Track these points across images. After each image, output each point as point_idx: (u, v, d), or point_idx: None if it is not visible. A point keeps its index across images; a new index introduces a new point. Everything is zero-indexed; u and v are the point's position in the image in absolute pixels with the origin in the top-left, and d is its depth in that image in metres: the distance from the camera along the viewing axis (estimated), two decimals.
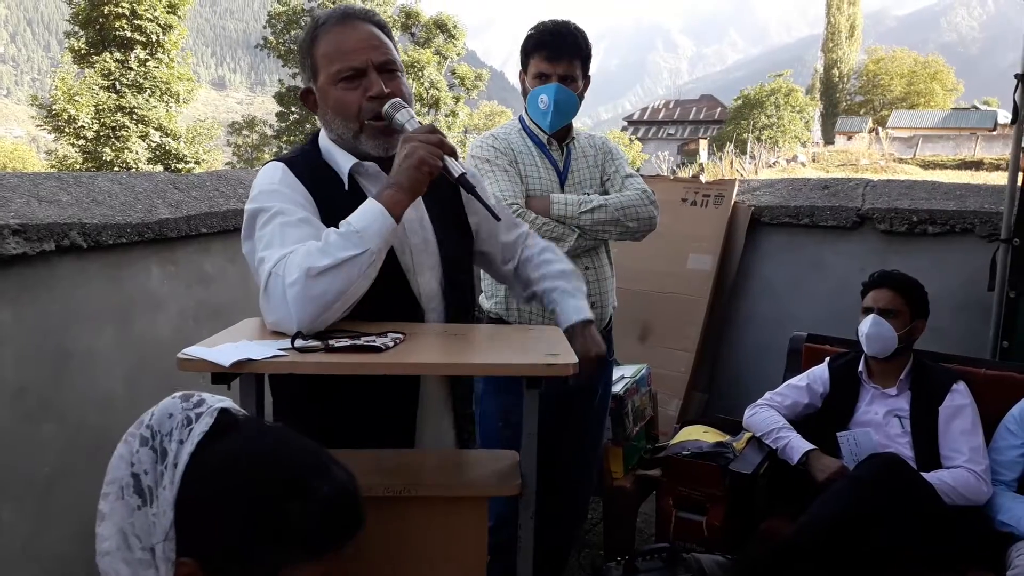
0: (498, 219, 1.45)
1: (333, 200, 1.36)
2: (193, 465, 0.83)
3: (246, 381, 1.16)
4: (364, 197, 1.32)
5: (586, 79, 2.19)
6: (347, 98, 1.37)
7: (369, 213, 1.25)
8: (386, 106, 1.35)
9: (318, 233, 1.27)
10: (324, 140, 1.46)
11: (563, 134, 2.21)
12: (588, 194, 2.18)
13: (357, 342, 1.17)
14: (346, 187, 1.40)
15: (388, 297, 1.35)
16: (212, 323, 2.47)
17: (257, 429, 0.89)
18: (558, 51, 2.09)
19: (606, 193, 2.23)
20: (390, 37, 1.44)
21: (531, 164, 2.15)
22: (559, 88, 2.08)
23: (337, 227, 1.26)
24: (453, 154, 1.31)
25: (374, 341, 1.18)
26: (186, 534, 0.82)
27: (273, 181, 1.36)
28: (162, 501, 0.82)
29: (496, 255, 1.64)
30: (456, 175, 1.30)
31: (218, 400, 0.89)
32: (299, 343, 1.16)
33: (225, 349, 1.12)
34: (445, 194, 1.48)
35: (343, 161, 1.41)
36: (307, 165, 1.41)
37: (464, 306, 1.52)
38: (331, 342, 1.18)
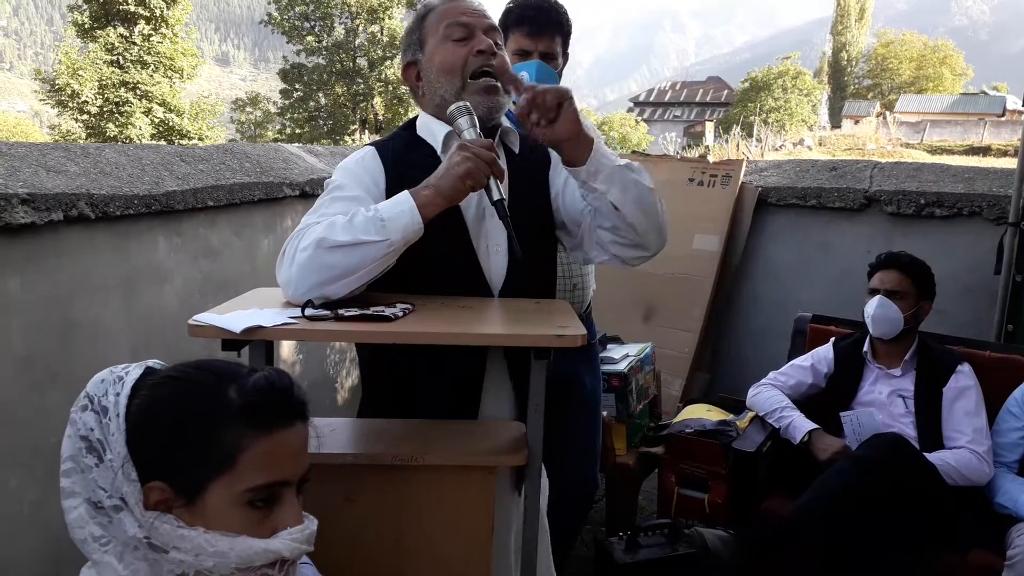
0: (519, 256, 1.33)
1: (425, 169, 1.32)
2: (132, 405, 0.87)
3: (256, 348, 1.17)
4: None
5: (565, 56, 2.08)
6: (456, 53, 1.39)
7: (399, 206, 1.25)
8: (451, 108, 1.33)
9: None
10: (422, 116, 1.48)
11: None
12: None
13: (366, 312, 1.18)
14: (440, 151, 1.41)
15: (460, 279, 1.39)
16: (218, 296, 2.48)
17: (183, 363, 0.93)
18: (540, 27, 1.99)
19: None
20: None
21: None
22: (541, 65, 1.94)
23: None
24: (501, 177, 1.29)
25: (383, 311, 1.18)
26: (145, 460, 0.85)
27: (352, 160, 1.43)
28: (114, 444, 0.85)
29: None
30: (495, 199, 1.28)
31: (145, 362, 0.94)
32: (309, 311, 1.17)
33: (236, 316, 1.13)
34: (530, 175, 1.49)
35: (439, 130, 1.43)
36: (397, 144, 1.44)
37: (540, 291, 1.48)
38: (341, 311, 1.19)
